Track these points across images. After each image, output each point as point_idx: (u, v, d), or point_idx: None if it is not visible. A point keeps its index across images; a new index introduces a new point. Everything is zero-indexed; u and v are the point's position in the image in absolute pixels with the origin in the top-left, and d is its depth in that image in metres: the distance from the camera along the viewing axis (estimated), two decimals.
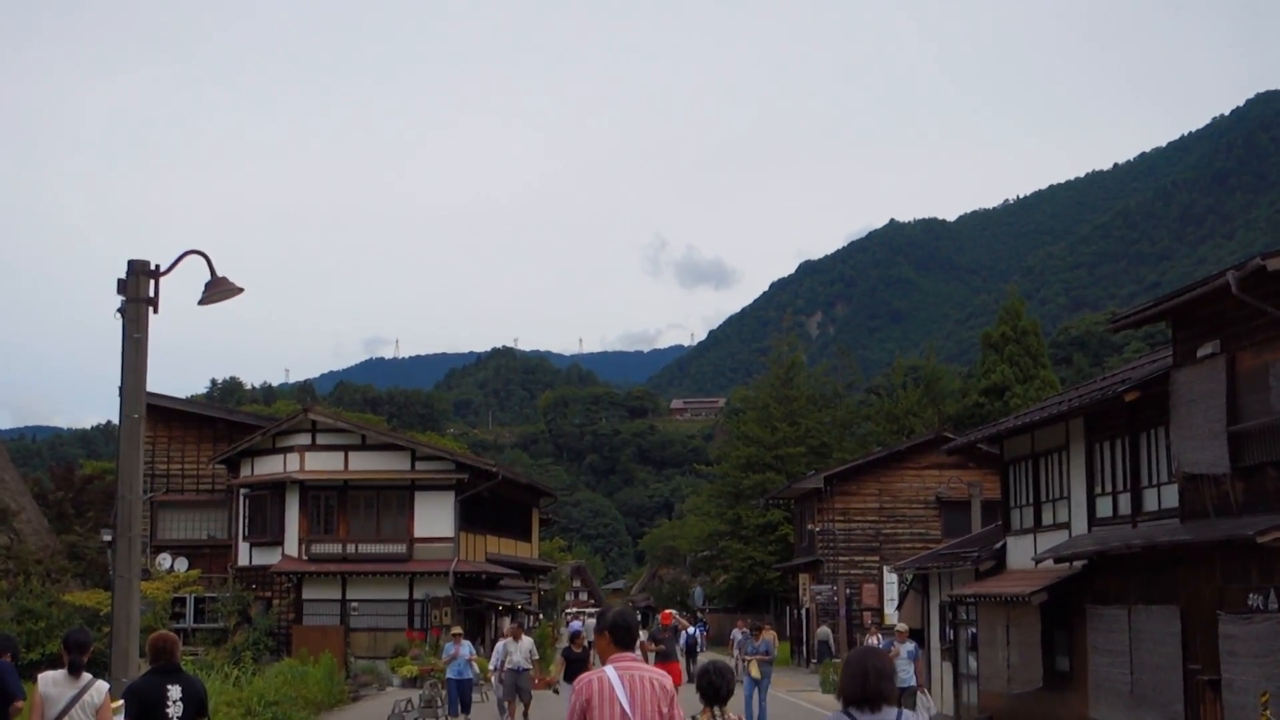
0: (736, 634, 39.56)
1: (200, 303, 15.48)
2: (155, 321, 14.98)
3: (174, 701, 9.96)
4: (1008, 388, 68.57)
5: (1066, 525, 23.10)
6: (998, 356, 71.04)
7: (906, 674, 23.65)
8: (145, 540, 46.61)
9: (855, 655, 5.82)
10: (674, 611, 30.20)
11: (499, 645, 25.23)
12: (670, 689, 7.31)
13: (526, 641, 24.71)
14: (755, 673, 25.62)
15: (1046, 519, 24.25)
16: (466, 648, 26.18)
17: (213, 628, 43.63)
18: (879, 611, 48.90)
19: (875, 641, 29.75)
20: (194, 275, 16.03)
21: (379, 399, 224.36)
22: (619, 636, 7.25)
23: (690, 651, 41.50)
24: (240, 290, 15.57)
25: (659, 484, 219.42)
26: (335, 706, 30.76)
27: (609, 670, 7.19)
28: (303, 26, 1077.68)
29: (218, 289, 15.40)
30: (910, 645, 24.73)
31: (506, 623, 42.79)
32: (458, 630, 27.51)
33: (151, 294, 14.84)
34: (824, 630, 46.08)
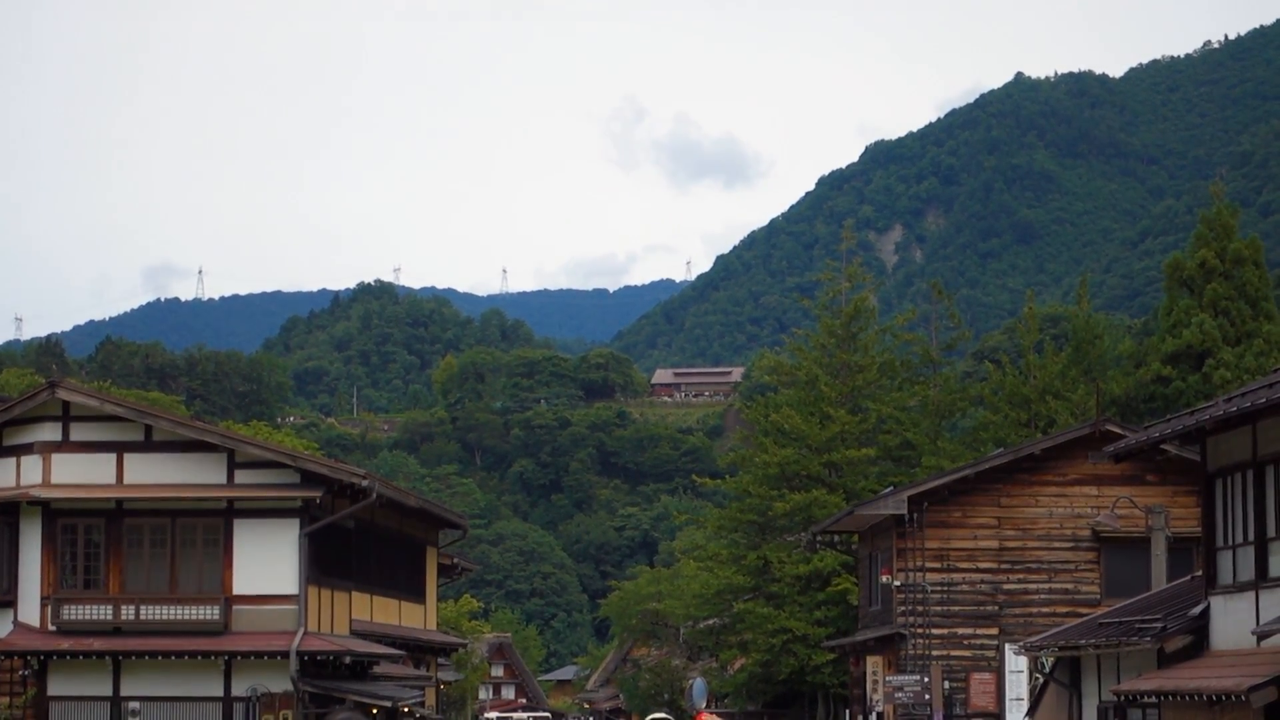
0: None
1: None
2: None
3: None
4: (1210, 352, 68.66)
5: None
6: (1193, 301, 71.07)
7: None
8: None
9: None
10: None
11: None
12: None
13: None
14: None
15: (1277, 567, 24.25)
16: None
17: None
18: (998, 718, 49.09)
19: None
20: None
21: (171, 366, 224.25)
22: None
23: None
24: None
25: (633, 509, 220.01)
26: None
27: None
28: None
29: None
30: None
31: None
32: None
33: None
34: None
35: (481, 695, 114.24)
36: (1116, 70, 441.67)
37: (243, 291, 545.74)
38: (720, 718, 26.06)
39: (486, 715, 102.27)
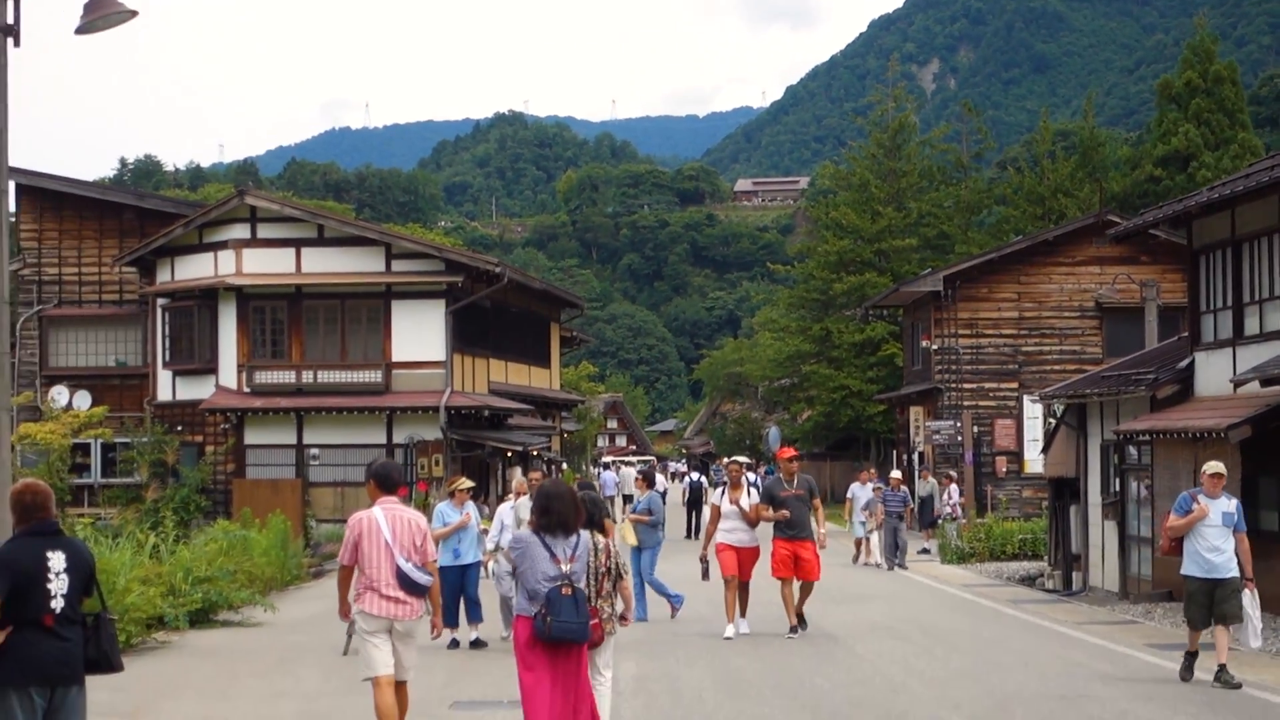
0: (858, 490, 39.19)
1: (78, 30, 14.92)
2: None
3: (56, 574, 9.62)
4: (1194, 155, 67.81)
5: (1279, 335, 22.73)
6: (1180, 114, 70.13)
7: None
8: (33, 368, 46.78)
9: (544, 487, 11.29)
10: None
11: (505, 509, 21.71)
12: (424, 526, 12.38)
13: None
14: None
15: (1251, 327, 23.80)
16: (475, 513, 21.61)
17: (126, 483, 43.84)
18: (1017, 455, 48.97)
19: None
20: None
21: (344, 182, 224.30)
22: (382, 483, 12.39)
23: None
24: (133, 14, 14.99)
25: (720, 292, 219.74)
26: (290, 584, 30.79)
27: (376, 510, 12.33)
28: None
29: (102, 10, 14.81)
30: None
31: (517, 475, 42.83)
32: (464, 485, 21.77)
33: (10, 20, 14.27)
34: (940, 485, 45.52)
35: (599, 443, 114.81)
36: None
37: (402, 121, 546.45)
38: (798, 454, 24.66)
39: (602, 459, 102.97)
